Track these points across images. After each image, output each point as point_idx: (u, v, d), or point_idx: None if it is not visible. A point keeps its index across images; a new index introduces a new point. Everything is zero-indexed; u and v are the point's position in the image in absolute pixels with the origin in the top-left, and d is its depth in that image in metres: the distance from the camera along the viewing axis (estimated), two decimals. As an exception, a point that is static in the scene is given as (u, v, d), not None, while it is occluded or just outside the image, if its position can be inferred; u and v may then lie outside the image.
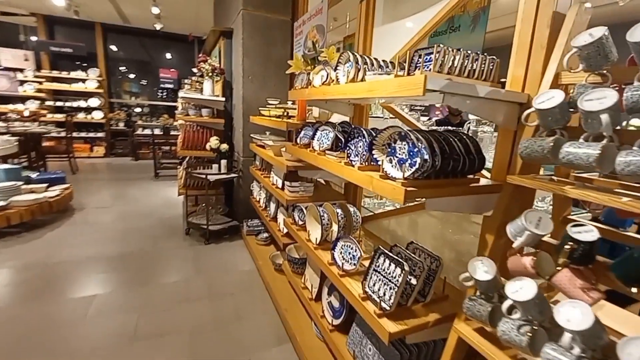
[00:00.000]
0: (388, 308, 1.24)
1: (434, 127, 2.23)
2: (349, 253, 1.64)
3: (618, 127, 0.88)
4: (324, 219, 1.81)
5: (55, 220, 3.78)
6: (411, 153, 1.09)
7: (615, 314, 1.07)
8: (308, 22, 2.80)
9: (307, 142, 1.96)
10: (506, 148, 1.24)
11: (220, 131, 3.88)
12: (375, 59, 1.49)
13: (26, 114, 6.19)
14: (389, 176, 1.16)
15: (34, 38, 7.70)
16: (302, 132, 2.10)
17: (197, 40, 8.79)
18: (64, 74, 7.82)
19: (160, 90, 9.23)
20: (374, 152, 1.24)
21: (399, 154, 1.15)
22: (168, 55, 9.19)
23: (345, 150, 1.50)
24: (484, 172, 1.33)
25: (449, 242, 1.78)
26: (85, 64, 8.11)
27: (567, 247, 0.86)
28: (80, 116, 8.01)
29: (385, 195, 1.15)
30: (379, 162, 1.22)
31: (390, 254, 1.34)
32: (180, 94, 3.76)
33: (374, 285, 1.38)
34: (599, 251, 0.89)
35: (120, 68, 8.79)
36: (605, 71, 0.94)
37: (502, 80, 1.26)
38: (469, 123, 1.88)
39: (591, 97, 0.86)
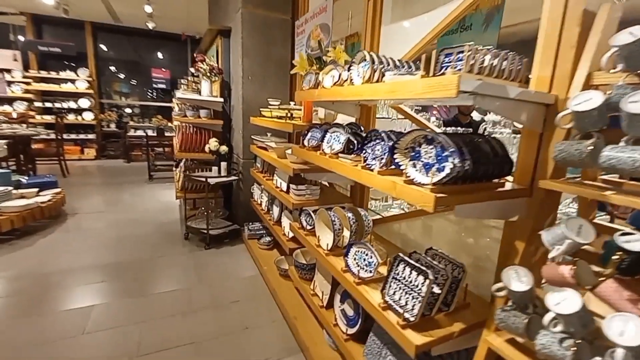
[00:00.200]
0: (412, 319, 1.18)
1: (443, 128, 2.19)
2: (364, 260, 1.58)
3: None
4: (335, 224, 1.76)
5: (48, 226, 3.64)
6: (439, 157, 1.04)
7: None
8: (311, 21, 2.74)
9: (315, 144, 1.90)
10: (531, 151, 1.19)
11: (218, 133, 3.79)
12: (391, 58, 1.44)
13: (14, 115, 5.98)
14: (414, 181, 1.11)
15: (21, 38, 7.47)
16: (310, 134, 2.03)
17: (190, 39, 8.64)
18: (52, 75, 7.61)
19: (152, 91, 9.06)
20: (395, 156, 1.18)
21: (425, 158, 1.09)
22: (160, 55, 9.02)
23: (361, 154, 1.44)
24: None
25: (465, 247, 1.74)
26: (74, 64, 7.90)
27: (615, 257, 0.81)
28: (71, 117, 7.80)
29: (410, 201, 1.10)
30: (402, 167, 1.16)
31: (412, 262, 1.29)
32: (178, 94, 3.65)
33: (393, 294, 1.33)
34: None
35: (111, 68, 8.59)
36: (646, 71, 0.90)
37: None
38: (485, 124, 1.84)
39: (636, 99, 0.82)
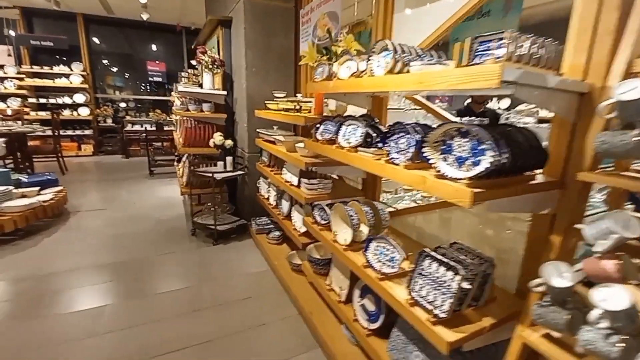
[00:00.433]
0: (444, 316, 1.16)
1: (458, 118, 2.14)
2: (385, 255, 1.56)
3: None
4: (353, 220, 1.72)
5: (50, 225, 3.58)
6: (475, 151, 1.00)
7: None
8: (317, 9, 2.66)
9: (329, 137, 1.85)
10: (562, 141, 1.16)
11: (221, 126, 3.72)
12: (413, 47, 1.38)
13: (9, 112, 5.84)
14: (445, 176, 1.07)
15: (11, 32, 7.26)
16: (322, 127, 1.98)
17: (185, 30, 8.45)
18: (46, 69, 7.43)
19: (146, 84, 8.89)
20: (424, 149, 1.14)
21: (458, 152, 1.06)
22: (154, 47, 8.82)
23: (384, 147, 1.40)
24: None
25: (485, 239, 1.71)
26: (65, 58, 7.71)
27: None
28: (66, 113, 7.65)
29: (442, 197, 1.06)
30: (431, 161, 1.13)
31: (439, 257, 1.26)
32: (179, 87, 3.56)
33: (420, 289, 1.30)
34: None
35: (104, 61, 8.40)
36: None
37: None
38: (509, 113, 1.79)
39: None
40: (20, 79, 7.26)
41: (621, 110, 0.93)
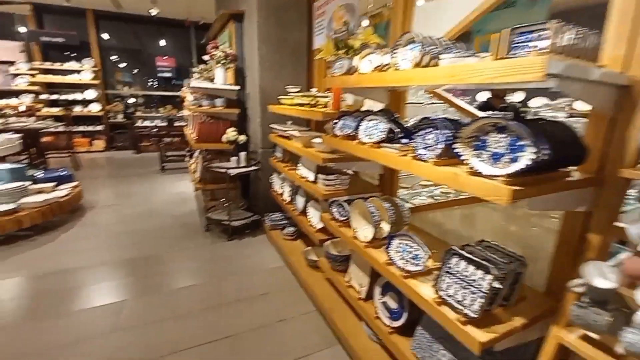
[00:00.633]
0: (474, 315, 1.14)
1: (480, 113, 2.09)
2: (409, 252, 1.53)
3: None
4: (374, 216, 1.70)
5: (67, 221, 3.63)
6: (513, 147, 0.97)
7: None
8: (332, 2, 2.61)
9: (349, 133, 1.82)
10: (599, 136, 1.12)
11: (233, 122, 3.71)
12: (440, 39, 1.34)
13: (22, 108, 5.91)
14: (478, 172, 1.04)
15: (22, 29, 7.31)
16: (341, 122, 1.95)
17: (194, 25, 8.42)
18: (57, 66, 7.48)
19: (155, 80, 8.90)
20: (455, 145, 1.11)
21: (493, 148, 1.02)
22: (163, 43, 8.81)
23: (410, 143, 1.37)
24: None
25: (509, 235, 1.68)
26: (75, 54, 7.75)
27: None
28: (77, 109, 7.72)
29: (477, 194, 1.03)
30: (463, 157, 1.09)
31: (468, 255, 1.23)
32: (192, 83, 3.55)
33: (447, 288, 1.28)
34: None
35: (113, 57, 8.42)
36: None
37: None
38: (538, 108, 1.74)
39: None
40: (32, 75, 7.33)
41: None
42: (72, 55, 7.76)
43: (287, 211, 2.98)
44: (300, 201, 2.76)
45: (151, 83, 8.91)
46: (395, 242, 1.60)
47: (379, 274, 1.72)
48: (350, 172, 2.72)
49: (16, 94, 7.28)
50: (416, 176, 2.76)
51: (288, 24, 3.22)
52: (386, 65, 1.50)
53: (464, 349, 1.27)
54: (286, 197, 3.00)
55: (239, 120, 3.76)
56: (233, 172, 3.11)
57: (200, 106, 3.52)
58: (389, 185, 2.30)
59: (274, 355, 1.83)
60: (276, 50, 3.22)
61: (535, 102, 3.81)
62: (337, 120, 1.98)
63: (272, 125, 3.06)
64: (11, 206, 3.12)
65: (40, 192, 3.58)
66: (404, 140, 1.52)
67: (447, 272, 1.30)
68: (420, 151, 1.31)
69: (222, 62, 3.38)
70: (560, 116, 1.67)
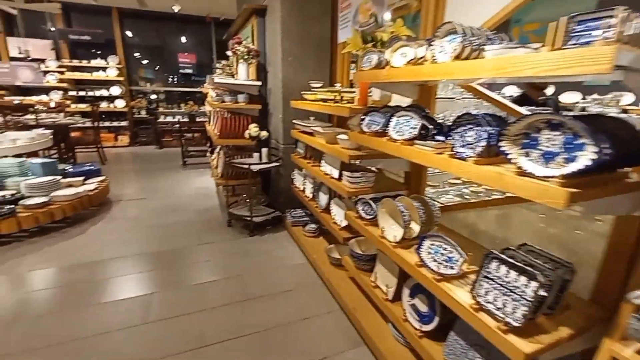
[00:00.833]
0: (516, 324, 1.07)
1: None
2: (442, 254, 1.47)
3: None
4: (405, 216, 1.64)
5: (96, 214, 3.74)
6: (569, 146, 0.89)
7: None
8: (359, -6, 2.53)
9: (377, 129, 1.77)
10: (662, 134, 1.02)
11: (254, 118, 3.70)
12: (483, 30, 1.26)
13: (52, 105, 6.14)
14: (527, 173, 0.97)
15: (52, 27, 7.56)
16: (368, 118, 1.90)
17: (214, 21, 8.48)
18: (84, 63, 7.72)
19: (176, 76, 9.04)
20: (502, 143, 1.04)
21: (545, 146, 0.95)
22: (183, 39, 8.93)
23: (447, 140, 1.30)
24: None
25: (550, 238, 1.58)
26: (100, 52, 7.96)
27: None
28: (103, 105, 7.96)
29: (527, 196, 0.96)
30: (509, 155, 1.02)
31: (510, 260, 1.16)
32: (215, 79, 3.56)
33: (485, 294, 1.21)
34: None
35: (136, 54, 8.61)
36: None
37: None
38: (588, 103, 1.63)
39: None
40: (61, 73, 7.59)
41: None
42: (98, 52, 7.99)
43: (309, 208, 2.95)
44: (323, 198, 2.73)
45: (172, 79, 9.06)
46: (426, 243, 1.54)
47: (407, 275, 1.66)
48: (374, 169, 2.66)
49: (46, 90, 7.56)
50: (444, 174, 2.67)
51: (311, 17, 3.16)
52: (421, 58, 1.43)
53: (502, 358, 1.21)
54: (308, 193, 2.97)
55: (260, 116, 3.75)
56: (255, 167, 3.11)
57: (223, 102, 3.53)
58: (416, 183, 2.23)
59: (301, 354, 1.82)
60: (299, 44, 3.18)
61: (567, 97, 3.61)
62: (364, 117, 1.92)
63: (295, 121, 3.03)
64: (44, 199, 3.24)
65: (70, 185, 3.70)
66: (438, 138, 1.46)
67: (486, 277, 1.24)
68: (459, 149, 1.24)
69: (245, 57, 3.36)
70: (611, 113, 1.55)
